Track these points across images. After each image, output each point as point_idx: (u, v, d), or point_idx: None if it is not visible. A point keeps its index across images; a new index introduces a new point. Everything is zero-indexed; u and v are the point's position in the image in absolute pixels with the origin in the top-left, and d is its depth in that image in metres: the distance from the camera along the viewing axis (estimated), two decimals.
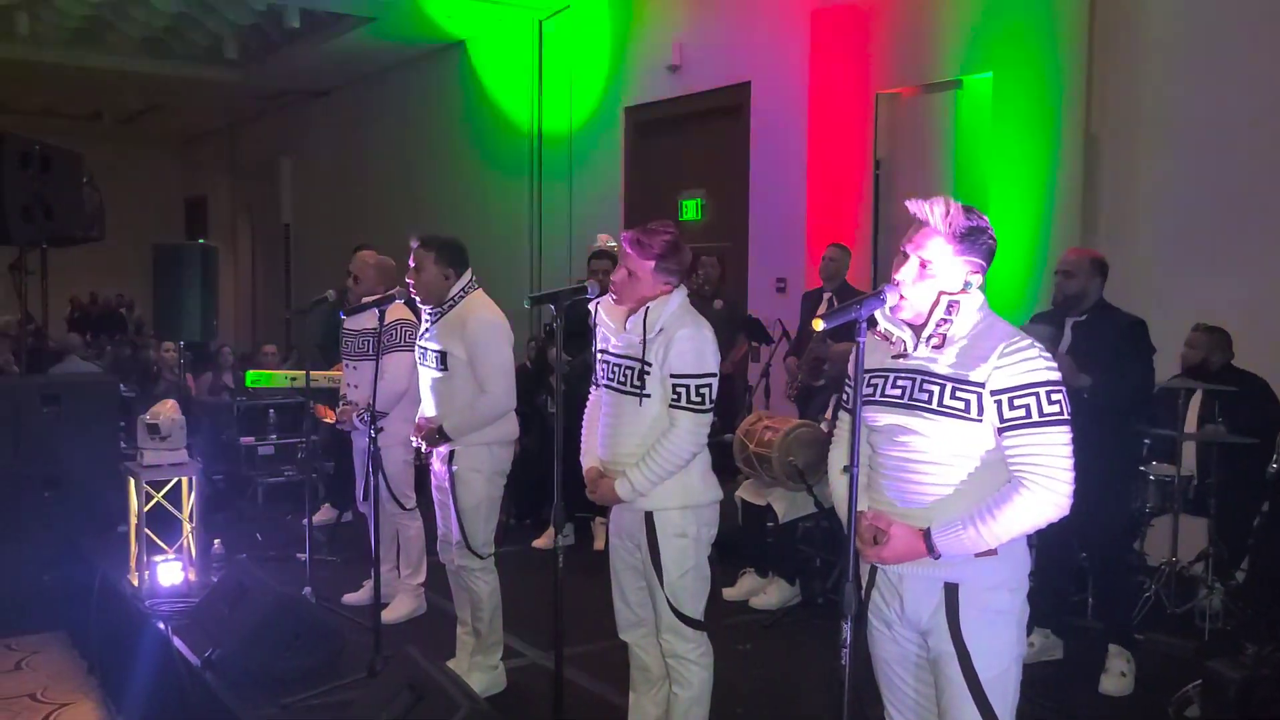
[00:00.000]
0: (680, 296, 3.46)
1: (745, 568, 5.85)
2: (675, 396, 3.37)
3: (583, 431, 3.73)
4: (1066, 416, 2.47)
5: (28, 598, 6.16)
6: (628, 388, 3.44)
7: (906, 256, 2.57)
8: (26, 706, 5.26)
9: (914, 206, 2.59)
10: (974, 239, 2.55)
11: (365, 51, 13.03)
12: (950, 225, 2.54)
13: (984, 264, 2.58)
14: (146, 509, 5.48)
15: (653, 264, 3.40)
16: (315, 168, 16.19)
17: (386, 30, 11.93)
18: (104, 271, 17.44)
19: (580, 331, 4.06)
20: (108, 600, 5.54)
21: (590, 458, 3.64)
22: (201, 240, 9.95)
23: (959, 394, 2.50)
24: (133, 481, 5.59)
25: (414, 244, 4.40)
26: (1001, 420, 2.47)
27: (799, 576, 5.64)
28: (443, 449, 4.33)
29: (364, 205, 14.73)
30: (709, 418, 3.42)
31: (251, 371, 8.21)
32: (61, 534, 6.21)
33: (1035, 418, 2.45)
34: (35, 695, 5.40)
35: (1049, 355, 2.52)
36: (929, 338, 2.55)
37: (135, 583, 5.46)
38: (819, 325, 2.44)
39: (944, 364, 2.54)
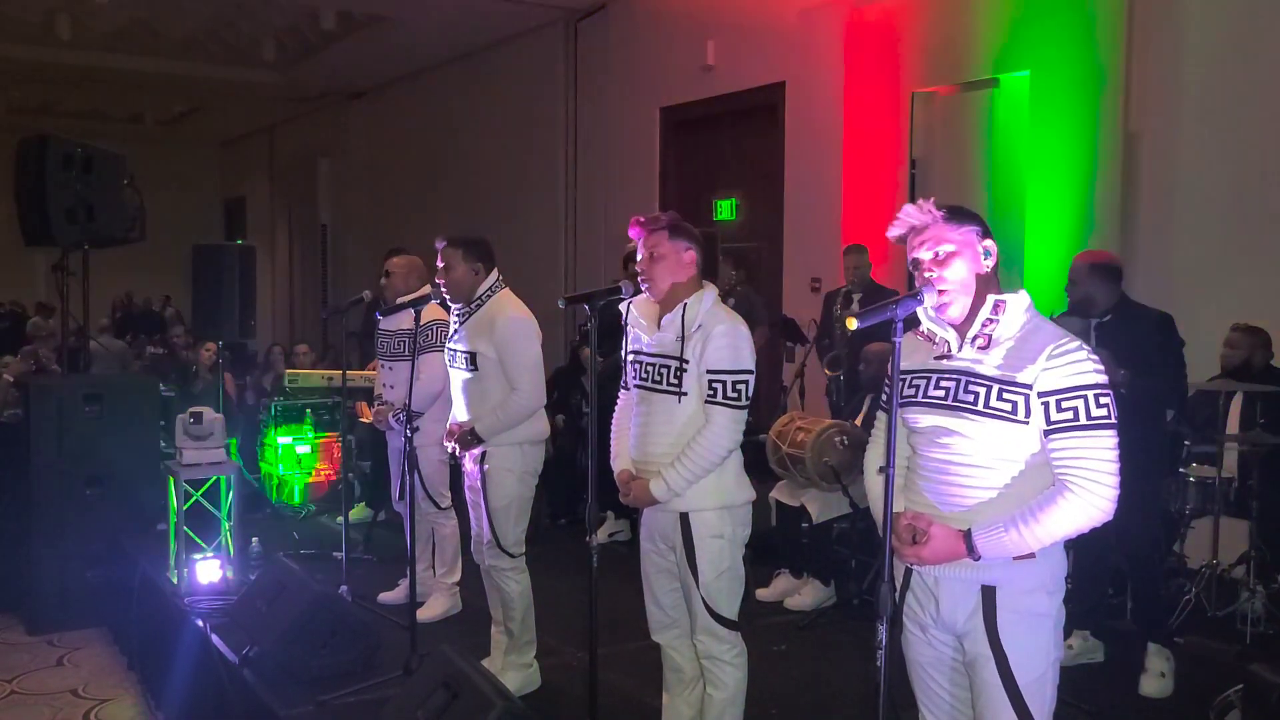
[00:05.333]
0: (713, 294, 3.49)
1: (780, 569, 5.84)
2: (711, 392, 3.37)
3: (613, 435, 3.74)
4: (1114, 421, 2.45)
5: (70, 595, 6.25)
6: (664, 386, 3.44)
7: (920, 260, 2.58)
8: (68, 702, 5.34)
9: (894, 231, 2.64)
10: (957, 212, 2.59)
11: (400, 53, 13.10)
12: (930, 212, 2.58)
13: (984, 229, 2.60)
14: (185, 507, 5.54)
15: (666, 233, 3.46)
16: (352, 168, 16.31)
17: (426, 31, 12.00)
18: (143, 272, 17.65)
19: (613, 333, 4.07)
20: (148, 597, 5.61)
21: (622, 461, 3.64)
22: (240, 241, 10.02)
23: (1006, 395, 2.48)
24: (172, 480, 5.65)
25: (440, 245, 4.44)
26: (1048, 422, 2.45)
27: (834, 578, 5.62)
28: (475, 449, 4.35)
29: (401, 206, 14.82)
30: (744, 414, 3.42)
31: (290, 371, 8.27)
32: (103, 532, 6.29)
33: (1083, 421, 2.43)
34: (77, 691, 5.47)
35: (1097, 358, 2.50)
36: (974, 338, 2.54)
37: (175, 580, 5.52)
38: (853, 324, 2.44)
39: (990, 365, 2.52)
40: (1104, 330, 4.58)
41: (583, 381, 7.14)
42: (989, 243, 2.59)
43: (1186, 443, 5.52)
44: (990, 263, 2.58)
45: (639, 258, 3.53)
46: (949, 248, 2.55)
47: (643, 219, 3.53)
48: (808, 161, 8.62)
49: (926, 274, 2.56)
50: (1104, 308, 4.59)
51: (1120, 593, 5.28)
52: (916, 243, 2.59)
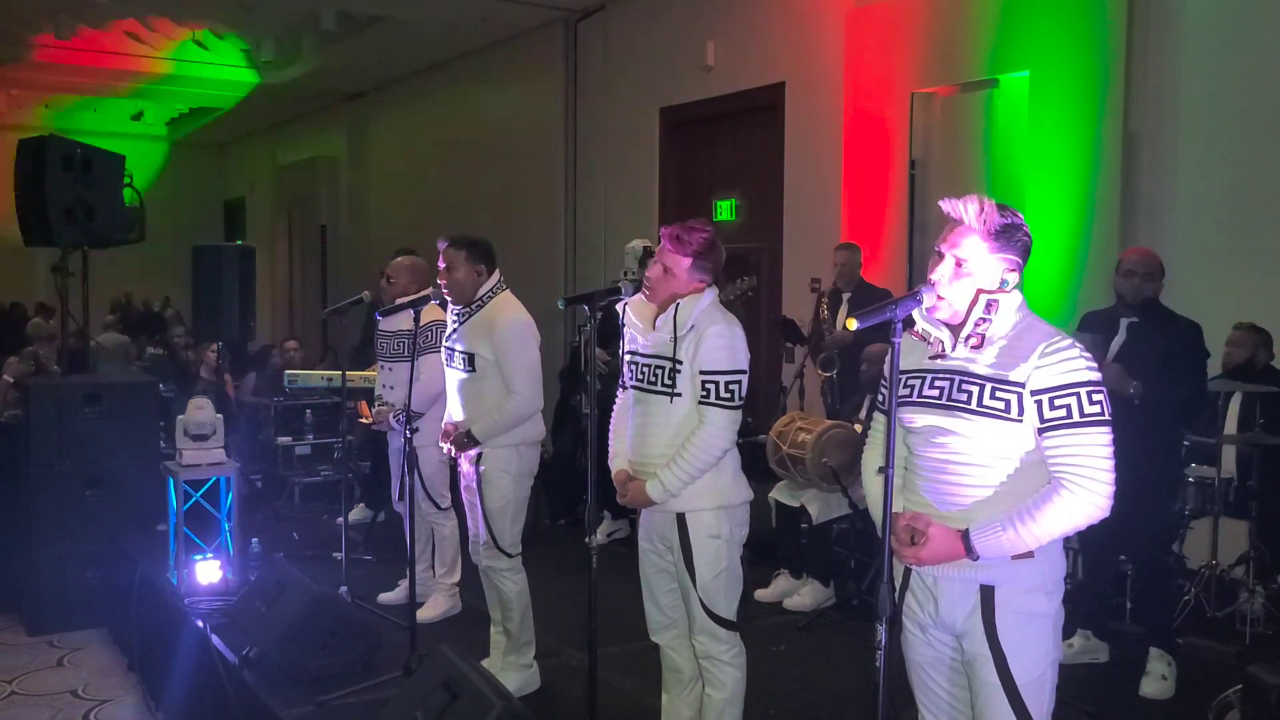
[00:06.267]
0: (711, 295, 3.47)
1: (779, 569, 5.84)
2: (705, 393, 3.37)
3: (610, 435, 3.73)
4: (1107, 417, 2.45)
5: (70, 595, 6.24)
6: (658, 387, 3.44)
7: (942, 256, 2.56)
8: (68, 703, 5.33)
9: (948, 206, 2.58)
10: (1009, 236, 2.54)
11: (400, 53, 13.10)
12: (985, 223, 2.53)
13: (1020, 262, 2.57)
14: (185, 508, 5.55)
15: (690, 260, 3.42)
16: (352, 169, 16.30)
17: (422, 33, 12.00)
18: (143, 272, 17.63)
19: (615, 334, 4.09)
20: (147, 598, 5.60)
21: (619, 461, 3.64)
22: (240, 241, 10.02)
23: (999, 394, 2.49)
24: (172, 481, 5.65)
25: (442, 245, 4.44)
26: (1042, 420, 2.46)
27: (833, 578, 5.62)
28: (470, 451, 4.35)
29: (400, 206, 14.81)
30: (738, 414, 3.42)
31: (290, 371, 8.28)
32: (103, 532, 6.28)
33: (1076, 418, 2.43)
34: (76, 692, 5.47)
35: (1090, 356, 2.50)
36: (968, 338, 2.54)
37: (175, 581, 5.52)
38: (853, 325, 2.44)
39: (983, 364, 2.52)
40: (1136, 329, 4.56)
41: (583, 381, 7.14)
42: (1015, 276, 2.55)
43: (1185, 443, 5.52)
44: (1002, 292, 2.54)
45: (652, 265, 3.51)
46: (970, 268, 2.52)
47: (679, 234, 3.43)
48: (808, 161, 8.62)
49: (934, 275, 2.56)
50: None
51: (1120, 594, 5.28)
52: (950, 238, 2.56)
